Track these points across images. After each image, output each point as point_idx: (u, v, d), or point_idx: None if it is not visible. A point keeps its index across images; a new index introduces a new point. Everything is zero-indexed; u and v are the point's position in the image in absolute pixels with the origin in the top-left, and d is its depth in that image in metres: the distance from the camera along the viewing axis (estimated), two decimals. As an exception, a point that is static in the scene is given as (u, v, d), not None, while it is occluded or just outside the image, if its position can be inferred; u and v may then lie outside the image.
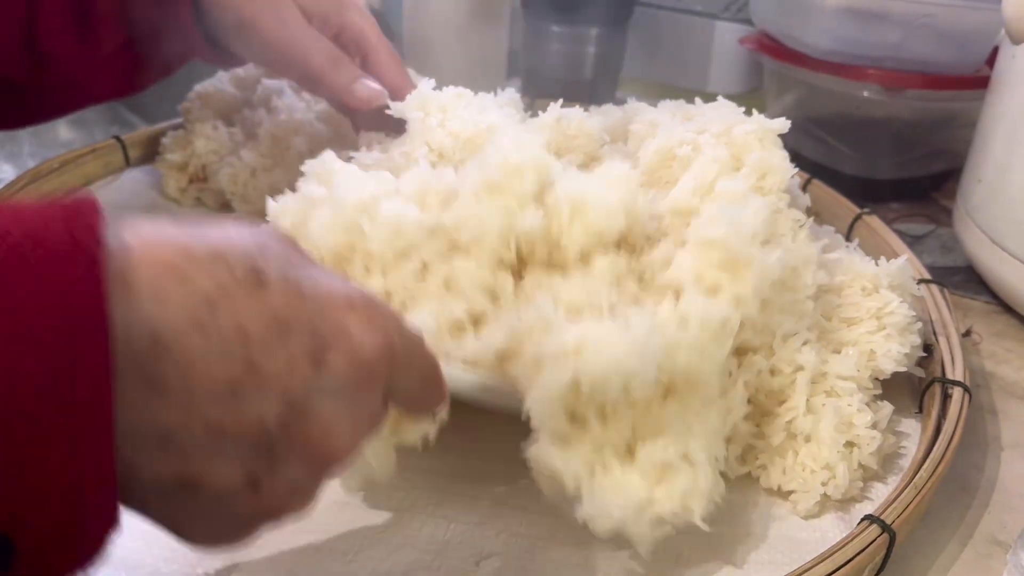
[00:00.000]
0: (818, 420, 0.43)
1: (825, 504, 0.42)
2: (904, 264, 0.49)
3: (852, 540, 0.37)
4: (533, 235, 0.42)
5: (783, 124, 0.49)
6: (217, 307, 0.23)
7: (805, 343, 0.44)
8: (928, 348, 0.50)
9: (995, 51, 0.69)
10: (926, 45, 0.69)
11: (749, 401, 0.44)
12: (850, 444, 0.43)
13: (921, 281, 0.54)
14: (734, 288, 0.40)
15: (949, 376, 0.47)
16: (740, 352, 0.44)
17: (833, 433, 0.42)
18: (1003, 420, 0.51)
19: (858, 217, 0.60)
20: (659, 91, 0.89)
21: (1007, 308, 0.61)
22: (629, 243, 0.45)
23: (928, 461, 0.41)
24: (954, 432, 0.43)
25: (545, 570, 0.39)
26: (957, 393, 0.45)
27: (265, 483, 0.25)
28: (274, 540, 0.39)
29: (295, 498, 0.27)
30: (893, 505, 0.38)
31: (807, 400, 0.43)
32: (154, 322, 0.22)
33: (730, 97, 0.54)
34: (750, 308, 0.40)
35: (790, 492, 0.42)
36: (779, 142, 0.49)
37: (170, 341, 0.22)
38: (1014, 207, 0.57)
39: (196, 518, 0.25)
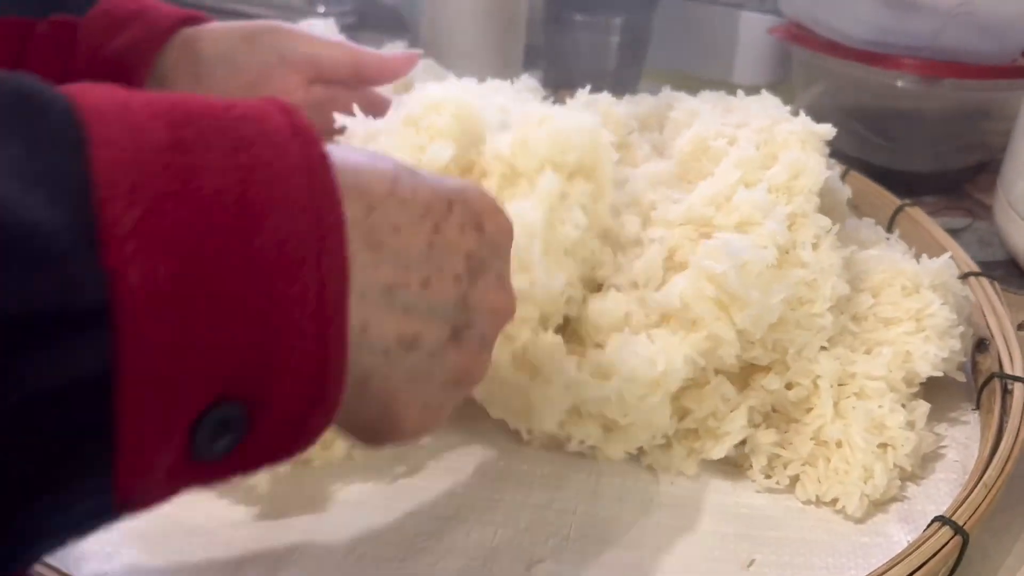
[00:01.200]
0: (848, 425, 0.41)
1: (881, 507, 0.41)
2: (947, 262, 0.47)
3: (924, 543, 0.35)
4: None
5: (829, 130, 0.47)
6: (401, 181, 0.26)
7: (821, 349, 0.43)
8: (983, 343, 0.48)
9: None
10: (963, 34, 0.68)
11: (775, 410, 0.43)
12: (884, 445, 0.41)
13: (969, 274, 0.52)
14: (717, 327, 0.40)
15: (1008, 371, 0.45)
16: (749, 372, 0.43)
17: (865, 435, 0.41)
18: (1058, 417, 0.49)
19: (900, 209, 0.59)
20: (683, 82, 0.87)
21: (1052, 302, 0.59)
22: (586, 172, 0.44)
23: (996, 459, 0.39)
24: (1019, 428, 0.41)
25: (599, 574, 0.37)
26: (1019, 389, 0.43)
27: (465, 334, 0.28)
28: (321, 547, 0.37)
29: (483, 353, 0.30)
30: (963, 506, 0.37)
31: (835, 404, 0.42)
32: (362, 188, 0.25)
33: (755, 88, 0.52)
34: (729, 348, 0.40)
35: (834, 500, 0.41)
36: (821, 147, 0.47)
37: (377, 205, 0.25)
38: (1062, 198, 0.55)
39: (411, 380, 0.27)
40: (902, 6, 0.68)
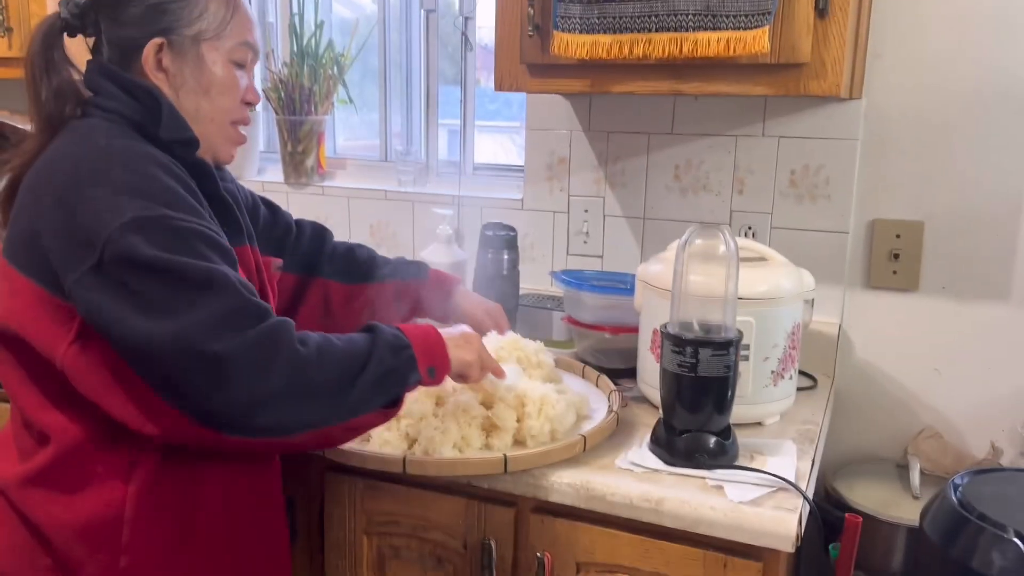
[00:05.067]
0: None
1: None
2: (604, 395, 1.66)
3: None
4: None
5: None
6: (451, 333, 1.39)
7: None
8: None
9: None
10: (626, 316, 1.89)
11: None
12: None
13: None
14: None
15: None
16: None
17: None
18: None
19: (612, 391, 1.76)
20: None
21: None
22: None
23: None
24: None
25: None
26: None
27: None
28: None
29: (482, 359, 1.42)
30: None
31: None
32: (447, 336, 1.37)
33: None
34: None
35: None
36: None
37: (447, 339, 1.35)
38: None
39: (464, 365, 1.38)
40: (609, 308, 1.89)
